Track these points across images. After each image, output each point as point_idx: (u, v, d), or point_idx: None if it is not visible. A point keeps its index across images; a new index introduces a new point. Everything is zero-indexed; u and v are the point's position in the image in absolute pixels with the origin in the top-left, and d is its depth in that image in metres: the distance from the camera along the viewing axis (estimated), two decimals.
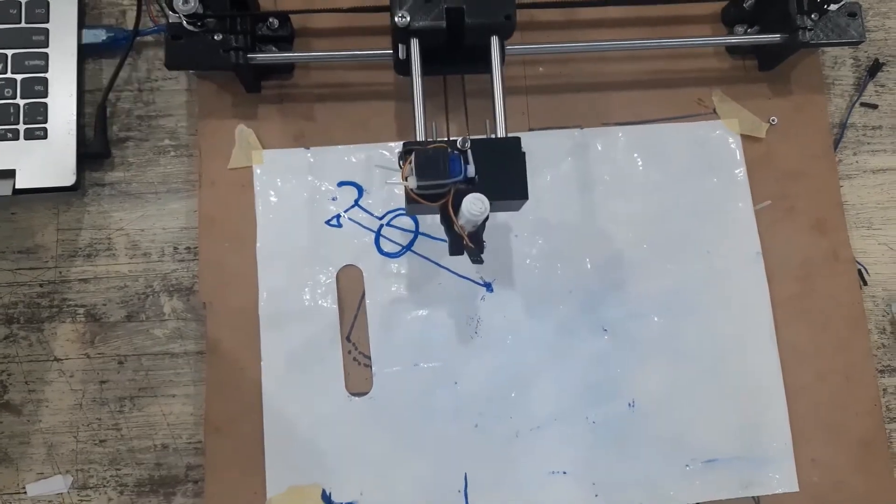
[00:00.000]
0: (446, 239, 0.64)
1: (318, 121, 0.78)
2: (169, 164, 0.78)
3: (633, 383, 0.73)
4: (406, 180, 0.57)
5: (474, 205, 0.55)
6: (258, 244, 0.74)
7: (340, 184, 0.76)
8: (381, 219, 0.76)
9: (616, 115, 0.79)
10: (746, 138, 0.79)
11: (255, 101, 0.78)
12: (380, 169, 0.76)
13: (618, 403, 0.73)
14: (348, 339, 0.74)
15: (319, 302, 0.74)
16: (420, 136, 0.64)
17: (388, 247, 0.75)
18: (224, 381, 0.72)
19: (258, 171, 0.76)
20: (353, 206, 0.76)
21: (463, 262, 0.75)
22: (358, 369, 0.73)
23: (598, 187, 0.77)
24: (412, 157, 0.57)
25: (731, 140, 0.79)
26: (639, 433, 0.72)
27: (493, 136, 0.63)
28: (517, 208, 0.65)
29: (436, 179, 0.57)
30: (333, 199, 0.76)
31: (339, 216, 0.76)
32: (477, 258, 0.64)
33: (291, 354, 0.73)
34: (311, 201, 0.76)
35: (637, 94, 0.80)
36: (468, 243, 0.61)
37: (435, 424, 0.72)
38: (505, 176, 0.60)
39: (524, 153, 0.61)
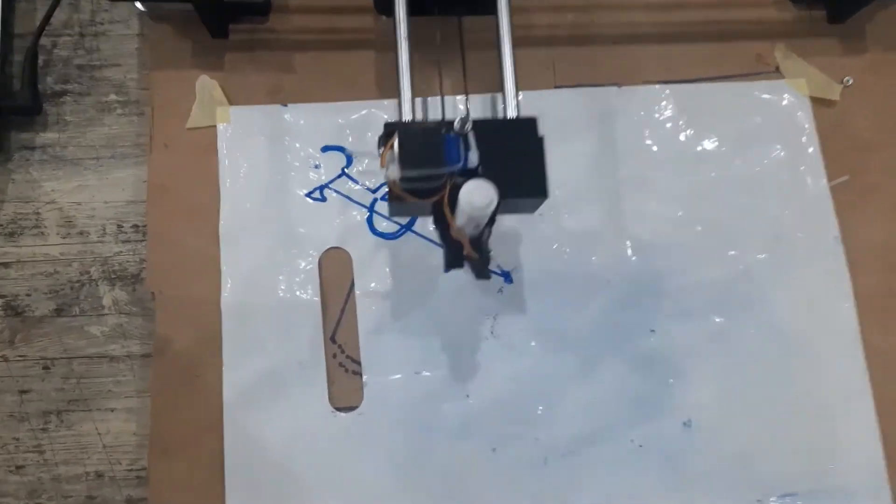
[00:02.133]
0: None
1: (299, 73, 0.64)
2: (114, 123, 0.64)
3: (687, 396, 0.59)
4: (387, 170, 0.44)
5: (477, 194, 0.41)
6: (222, 221, 0.60)
7: (325, 149, 0.62)
8: (374, 191, 0.62)
9: (658, 72, 0.66)
10: (816, 102, 0.66)
11: (222, 48, 0.64)
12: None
13: (669, 422, 0.58)
14: (333, 339, 0.59)
15: (297, 293, 0.59)
16: (405, 98, 0.51)
17: (383, 225, 0.61)
18: (175, 392, 0.57)
19: (223, 131, 0.62)
20: (339, 176, 0.62)
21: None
22: (345, 378, 0.58)
23: (641, 156, 0.63)
24: (395, 139, 0.44)
25: (798, 103, 0.65)
26: (697, 459, 0.58)
27: (502, 115, 0.51)
28: (532, 209, 0.50)
29: (426, 168, 0.43)
30: (316, 167, 0.62)
31: (322, 188, 0.61)
32: (483, 272, 0.51)
33: (261, 358, 0.58)
34: (289, 169, 0.61)
35: (684, 49, 0.66)
36: (470, 252, 0.46)
37: (441, 448, 0.57)
38: (517, 167, 0.46)
39: (542, 138, 0.47)
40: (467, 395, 0.58)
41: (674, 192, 0.63)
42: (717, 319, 0.60)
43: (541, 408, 0.58)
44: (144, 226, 0.61)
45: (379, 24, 0.64)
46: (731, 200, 0.63)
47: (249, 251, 0.59)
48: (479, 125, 0.45)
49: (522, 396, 0.59)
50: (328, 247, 0.60)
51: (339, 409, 0.58)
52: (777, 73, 0.67)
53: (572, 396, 0.59)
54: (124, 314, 0.60)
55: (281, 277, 0.59)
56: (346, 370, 0.58)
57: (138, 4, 0.62)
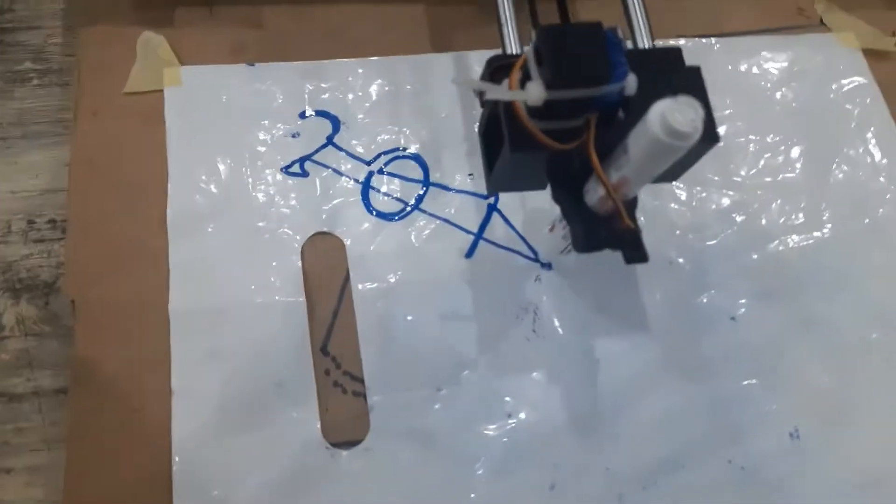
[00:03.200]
0: (561, 223, 0.38)
1: (269, 29, 0.52)
2: (29, 96, 0.50)
3: (790, 399, 0.46)
4: (522, 88, 0.31)
5: (679, 115, 0.28)
6: (170, 205, 0.45)
7: (305, 115, 0.49)
8: (369, 163, 0.49)
9: (686, 24, 0.56)
10: (869, 55, 0.57)
11: (171, 3, 0.51)
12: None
13: (772, 433, 0.45)
14: (324, 351, 0.44)
15: (274, 293, 0.44)
16: (509, 26, 0.39)
17: (382, 204, 0.48)
18: (102, 436, 0.41)
19: (172, 95, 0.48)
20: (324, 146, 0.48)
21: (499, 227, 0.47)
22: (343, 401, 0.43)
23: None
24: (537, 39, 0.30)
25: (852, 57, 0.57)
26: (815, 481, 0.44)
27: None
28: (688, 165, 0.36)
29: (583, 86, 0.30)
30: (294, 137, 0.48)
31: (302, 160, 0.48)
32: (638, 251, 0.35)
33: (225, 381, 0.42)
34: (258, 140, 0.48)
35: (720, 2, 0.58)
36: (628, 221, 0.33)
37: (481, 489, 0.41)
38: None
39: (698, 68, 0.35)
40: (508, 415, 0.43)
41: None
42: (815, 300, 0.48)
43: (606, 428, 0.44)
44: (64, 221, 0.46)
45: None
46: (807, 163, 0.52)
47: (207, 242, 0.45)
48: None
49: (581, 414, 0.44)
50: (313, 232, 0.46)
51: (336, 445, 0.42)
52: (822, 26, 0.58)
53: (643, 409, 0.44)
54: (32, 336, 0.44)
55: (250, 273, 0.45)
56: (345, 390, 0.43)
57: None
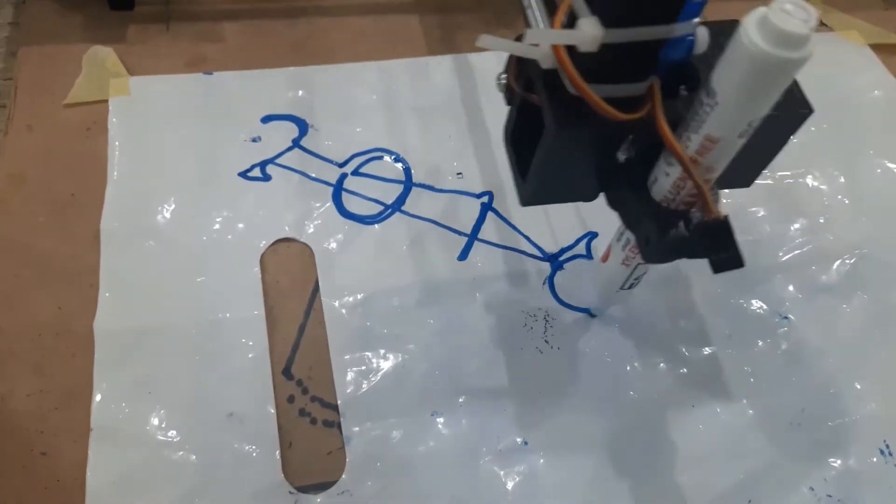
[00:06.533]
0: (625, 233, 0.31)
1: (231, 43, 0.47)
2: None
3: (873, 407, 0.36)
4: (572, 25, 0.23)
5: (790, 13, 0.20)
6: (105, 215, 0.39)
7: (268, 118, 0.44)
8: (342, 165, 0.42)
9: None
10: (878, 51, 0.53)
11: (124, 20, 0.48)
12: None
13: (860, 451, 0.35)
14: (287, 374, 0.35)
15: (227, 313, 0.36)
16: None
17: (357, 206, 0.41)
18: (1, 486, 0.31)
19: (118, 105, 0.43)
20: (289, 149, 0.43)
21: (496, 227, 0.40)
22: (312, 434, 0.34)
23: None
24: None
25: (862, 52, 0.53)
26: None
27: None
28: (756, 169, 0.29)
29: (653, 22, 0.23)
30: (254, 141, 0.43)
31: (263, 164, 0.42)
32: (729, 255, 0.26)
33: (163, 415, 0.33)
34: (214, 145, 0.42)
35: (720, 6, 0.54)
36: (713, 207, 0.25)
37: None
38: None
39: None
40: (521, 446, 0.34)
41: None
42: (865, 296, 0.40)
43: (651, 459, 0.34)
44: None
45: None
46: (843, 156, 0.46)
47: (147, 256, 0.38)
48: None
49: (613, 442, 0.35)
50: (275, 239, 0.39)
51: (303, 489, 0.32)
52: (824, 27, 0.55)
53: (693, 432, 0.35)
54: None
55: (197, 287, 0.37)
56: (314, 420, 0.34)
57: None
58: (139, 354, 0.34)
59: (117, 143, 0.41)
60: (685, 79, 0.25)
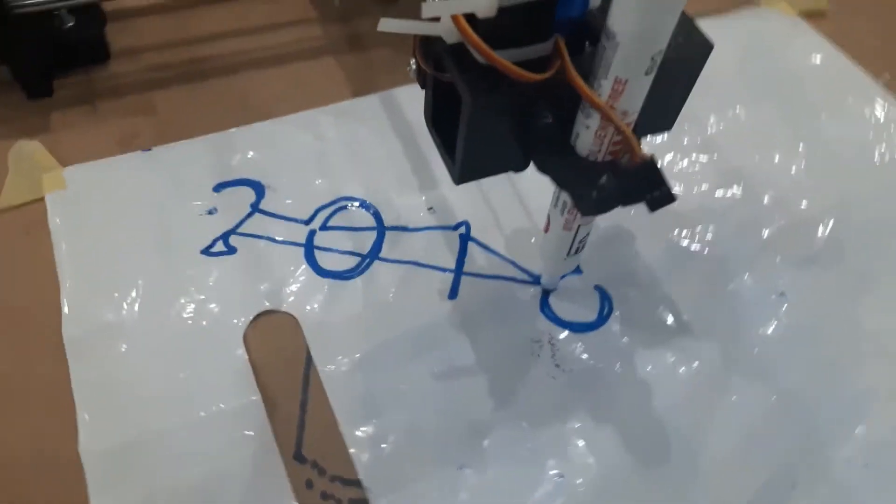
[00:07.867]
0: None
1: (163, 113, 0.45)
2: None
3: (889, 372, 0.36)
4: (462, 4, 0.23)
5: None
6: (65, 324, 0.35)
7: (221, 186, 0.41)
8: (308, 222, 0.40)
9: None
10: (810, 21, 0.54)
11: (45, 108, 0.44)
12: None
13: (885, 417, 0.35)
14: (300, 458, 0.33)
15: (221, 404, 0.34)
16: None
17: (333, 262, 0.39)
18: None
19: (55, 201, 0.40)
20: (249, 215, 0.40)
21: (480, 257, 0.39)
22: None
23: None
24: None
25: (793, 22, 0.54)
26: None
27: None
28: (671, 113, 0.29)
29: None
30: (211, 213, 0.40)
31: (226, 236, 0.39)
32: (661, 192, 0.26)
33: None
34: (169, 226, 0.39)
35: None
36: (637, 148, 0.25)
37: None
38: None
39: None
40: (556, 479, 0.33)
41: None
42: (854, 265, 0.40)
43: (681, 464, 0.33)
44: None
45: (266, 40, 0.48)
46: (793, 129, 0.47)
47: (120, 361, 0.35)
48: None
49: (642, 454, 0.34)
50: (255, 314, 0.37)
51: None
52: (752, 2, 0.56)
53: (718, 427, 0.35)
54: None
55: (184, 384, 0.34)
56: (339, 502, 0.32)
57: None
58: (135, 472, 0.32)
59: (63, 243, 0.38)
60: (588, 36, 0.26)
